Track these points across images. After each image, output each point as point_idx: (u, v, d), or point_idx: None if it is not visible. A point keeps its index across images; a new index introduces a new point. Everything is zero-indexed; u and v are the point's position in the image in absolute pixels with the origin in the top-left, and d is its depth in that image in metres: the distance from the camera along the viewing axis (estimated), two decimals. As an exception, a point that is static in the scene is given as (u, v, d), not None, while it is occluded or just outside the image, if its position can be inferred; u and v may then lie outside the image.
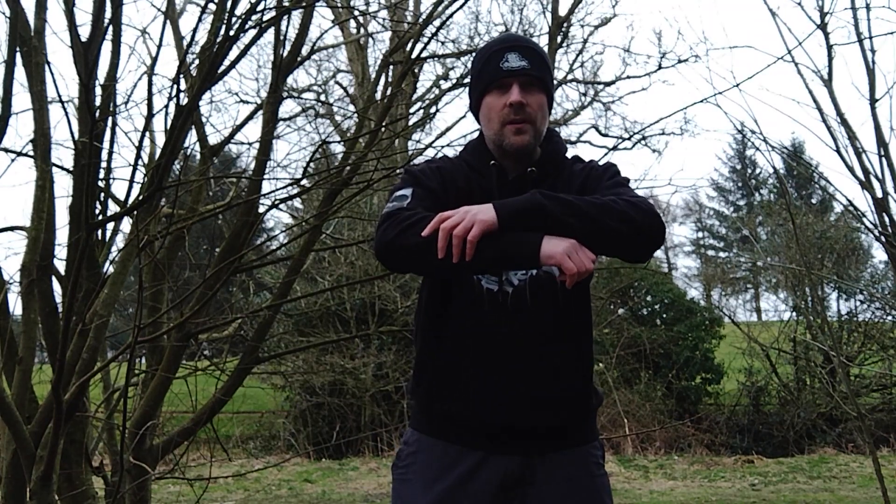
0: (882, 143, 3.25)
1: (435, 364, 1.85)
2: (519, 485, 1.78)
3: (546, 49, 9.85)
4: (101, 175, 3.75)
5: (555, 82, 2.00)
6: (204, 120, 4.85)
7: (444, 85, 13.28)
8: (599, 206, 1.68)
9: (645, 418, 10.68)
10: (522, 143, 1.84)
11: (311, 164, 4.48)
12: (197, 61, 4.00)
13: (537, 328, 1.79)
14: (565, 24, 13.36)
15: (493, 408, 1.78)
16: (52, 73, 2.94)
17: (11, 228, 4.04)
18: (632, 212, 1.68)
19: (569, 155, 1.99)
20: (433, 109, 12.56)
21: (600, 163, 1.97)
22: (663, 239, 1.75)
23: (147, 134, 4.56)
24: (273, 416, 11.82)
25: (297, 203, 10.36)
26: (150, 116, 3.37)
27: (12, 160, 3.99)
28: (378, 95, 6.19)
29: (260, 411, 11.61)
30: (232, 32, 2.98)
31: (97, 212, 4.04)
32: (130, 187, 3.33)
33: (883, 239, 3.38)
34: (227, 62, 3.36)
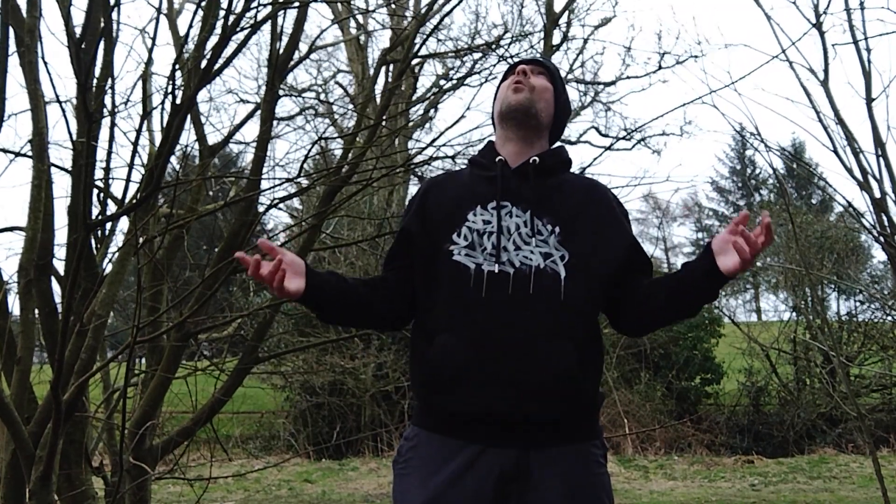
0: (879, 143, 3.24)
1: (430, 354, 1.84)
2: (516, 479, 1.78)
3: (542, 46, 9.84)
4: (101, 175, 3.75)
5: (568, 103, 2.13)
6: (203, 119, 4.85)
7: (445, 84, 13.27)
8: None
9: (645, 418, 10.67)
10: (518, 99, 1.96)
11: (310, 163, 4.48)
12: (193, 59, 4.00)
13: (538, 318, 1.79)
14: (564, 24, 13.34)
15: (489, 396, 1.78)
16: (49, 73, 2.94)
17: (11, 229, 4.05)
18: None
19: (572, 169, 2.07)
20: (433, 109, 12.56)
21: (610, 187, 2.08)
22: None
23: (147, 133, 4.56)
24: (273, 416, 11.81)
25: (296, 203, 10.36)
26: (145, 115, 3.37)
27: (11, 160, 4.00)
28: (377, 93, 6.19)
29: (260, 411, 11.60)
30: (227, 30, 2.98)
31: (96, 212, 4.04)
32: (127, 187, 3.33)
33: (882, 239, 3.37)
34: (222, 59, 3.35)
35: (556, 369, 1.79)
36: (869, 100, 3.23)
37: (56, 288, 3.80)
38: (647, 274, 1.98)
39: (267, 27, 4.03)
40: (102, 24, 3.48)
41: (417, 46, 4.60)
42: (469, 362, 1.79)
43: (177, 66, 2.85)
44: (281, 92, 4.47)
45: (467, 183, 1.98)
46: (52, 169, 3.62)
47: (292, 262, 1.76)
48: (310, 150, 4.31)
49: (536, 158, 1.93)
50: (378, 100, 5.63)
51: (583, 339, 1.85)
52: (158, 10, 2.70)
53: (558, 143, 2.10)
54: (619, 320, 1.98)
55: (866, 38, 3.23)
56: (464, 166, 2.17)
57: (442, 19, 4.76)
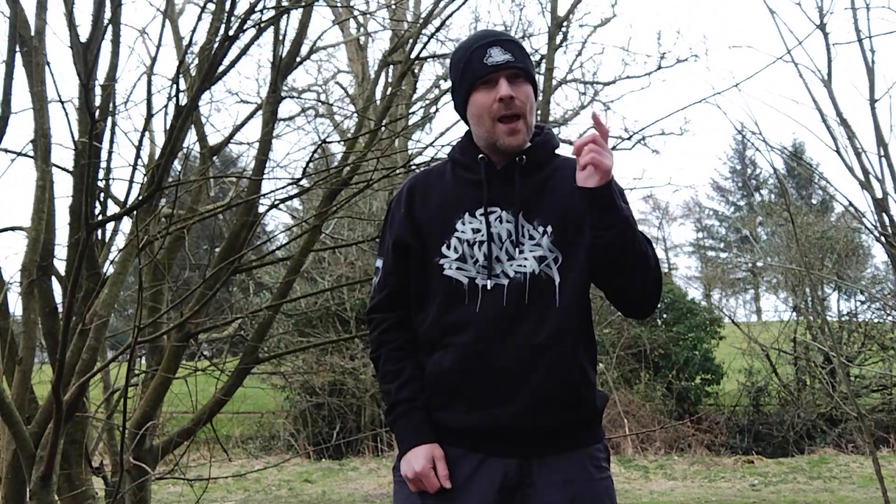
0: (882, 144, 3.24)
1: (428, 368, 1.83)
2: (518, 487, 1.77)
3: (546, 49, 9.86)
4: (101, 175, 3.75)
5: (539, 73, 1.97)
6: (204, 120, 4.85)
7: (444, 85, 13.26)
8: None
9: (645, 418, 10.68)
10: (517, 143, 1.82)
11: (311, 164, 4.49)
12: (196, 61, 4.00)
13: (534, 328, 1.77)
14: (564, 24, 13.34)
15: (489, 411, 1.77)
16: (51, 74, 2.94)
17: (12, 228, 4.04)
18: (654, 259, 1.82)
19: (559, 152, 1.95)
20: (433, 109, 12.55)
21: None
22: (659, 297, 1.87)
23: (147, 134, 4.56)
24: (273, 417, 11.82)
25: (296, 203, 10.37)
26: (149, 116, 3.37)
27: (12, 160, 3.99)
28: (378, 95, 6.19)
29: (260, 411, 11.60)
30: (231, 32, 2.98)
31: (97, 212, 4.04)
32: (130, 187, 3.32)
33: (883, 239, 3.37)
34: (226, 62, 3.36)
35: (557, 381, 1.77)
36: (872, 100, 3.23)
37: (57, 288, 3.81)
38: None
39: (270, 29, 4.03)
40: (108, 25, 3.48)
41: (419, 49, 4.60)
42: (466, 380, 1.77)
43: (180, 71, 2.85)
44: (282, 93, 4.47)
45: (452, 186, 1.88)
46: (53, 169, 3.63)
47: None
48: (313, 154, 4.31)
49: (524, 157, 1.84)
50: (379, 102, 5.63)
51: (580, 342, 1.83)
52: (165, 14, 2.70)
53: (545, 128, 1.94)
54: (616, 306, 1.95)
55: (871, 38, 3.23)
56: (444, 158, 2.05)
57: (444, 22, 4.75)
